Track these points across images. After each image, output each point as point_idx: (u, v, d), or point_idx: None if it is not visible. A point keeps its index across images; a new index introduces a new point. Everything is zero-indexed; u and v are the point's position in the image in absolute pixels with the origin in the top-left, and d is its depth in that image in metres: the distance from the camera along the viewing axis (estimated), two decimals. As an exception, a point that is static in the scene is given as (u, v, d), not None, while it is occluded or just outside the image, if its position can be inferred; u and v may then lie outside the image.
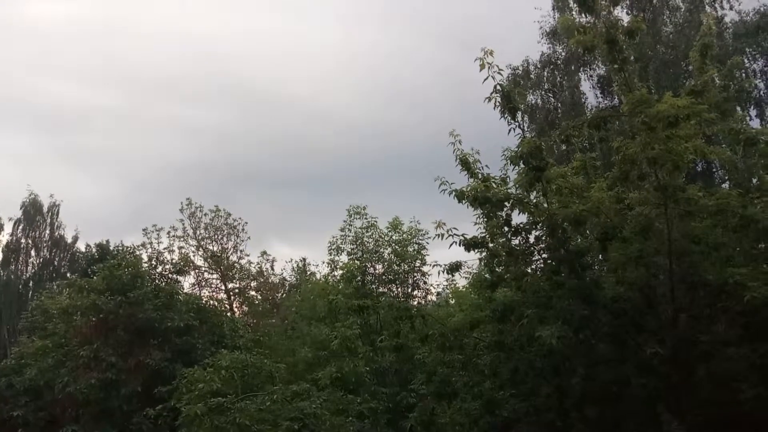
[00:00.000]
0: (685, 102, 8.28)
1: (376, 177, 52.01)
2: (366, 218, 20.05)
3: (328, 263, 20.89)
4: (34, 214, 41.18)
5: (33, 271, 41.01)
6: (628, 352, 8.78)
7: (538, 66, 24.36)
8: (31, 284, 40.53)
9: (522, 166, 9.03)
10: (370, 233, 19.99)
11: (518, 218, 9.53)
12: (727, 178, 15.21)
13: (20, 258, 40.80)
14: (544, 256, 9.62)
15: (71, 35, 58.37)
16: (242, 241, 26.41)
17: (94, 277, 18.60)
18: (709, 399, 8.28)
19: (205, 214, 26.15)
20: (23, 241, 40.91)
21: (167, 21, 59.30)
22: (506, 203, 9.25)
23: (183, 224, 25.55)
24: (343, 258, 20.03)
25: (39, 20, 55.89)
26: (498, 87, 8.87)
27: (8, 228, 40.96)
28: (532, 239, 9.64)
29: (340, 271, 19.84)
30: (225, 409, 11.77)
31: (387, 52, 54.28)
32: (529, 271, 9.69)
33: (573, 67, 23.77)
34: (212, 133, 53.38)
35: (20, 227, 40.95)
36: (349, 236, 20.14)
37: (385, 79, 55.02)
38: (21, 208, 40.85)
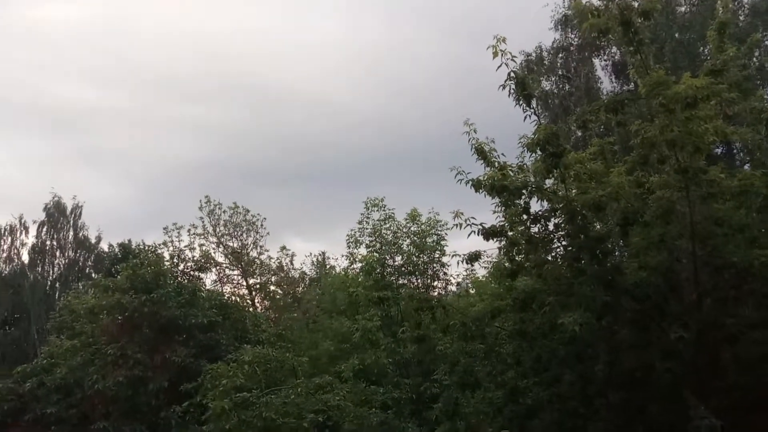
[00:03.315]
0: (703, 82, 8.13)
1: (385, 170, 52.04)
2: (384, 210, 20.09)
3: (347, 256, 21.00)
4: (57, 215, 41.96)
5: (59, 271, 41.82)
6: (651, 337, 8.71)
7: (551, 52, 24.05)
8: (57, 285, 41.35)
9: (539, 153, 8.96)
10: (388, 225, 20.02)
11: (537, 206, 9.49)
12: (748, 159, 14.93)
13: (46, 259, 41.64)
14: (564, 243, 9.56)
15: (78, 37, 59.02)
16: (261, 236, 26.66)
17: (118, 277, 18.91)
18: (736, 383, 8.19)
19: (224, 211, 26.42)
20: (48, 242, 41.74)
21: (171, 21, 59.69)
22: (524, 191, 9.19)
23: (202, 222, 25.87)
24: (362, 251, 20.12)
25: (45, 23, 56.59)
26: (512, 74, 8.80)
27: (33, 230, 41.84)
28: (551, 226, 9.57)
29: (360, 264, 19.93)
30: (251, 403, 11.94)
31: (391, 44, 54.07)
32: (549, 258, 9.63)
33: (587, 53, 23.42)
34: (221, 131, 53.81)
35: (44, 229, 41.78)
36: (367, 229, 20.20)
37: (389, 72, 54.83)
38: (44, 210, 41.64)
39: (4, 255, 41.78)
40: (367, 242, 20.01)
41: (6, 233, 42.03)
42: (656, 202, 8.70)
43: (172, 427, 15.54)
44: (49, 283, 41.44)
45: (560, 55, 24.03)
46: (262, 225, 26.63)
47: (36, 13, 55.78)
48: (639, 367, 8.61)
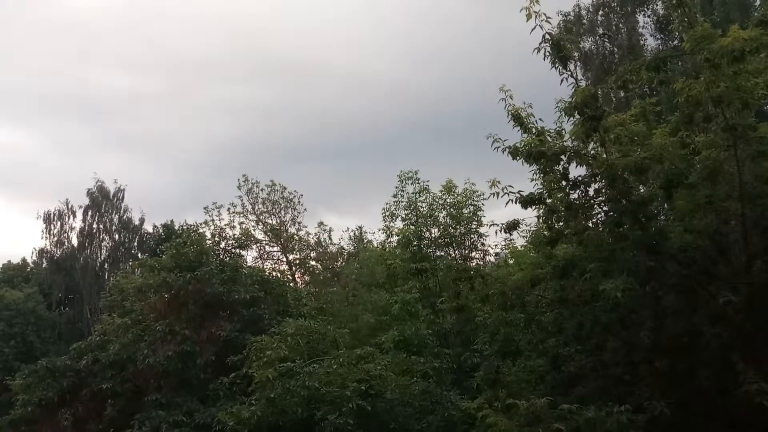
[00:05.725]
0: (752, 33, 7.70)
1: (417, 140, 51.71)
2: (418, 182, 20.01)
3: (384, 230, 21.08)
4: (101, 200, 43.39)
5: (107, 253, 43.45)
6: (699, 301, 8.48)
7: (591, 10, 23.22)
8: (106, 266, 43.02)
9: (577, 116, 8.71)
10: (423, 197, 19.95)
11: (576, 171, 9.27)
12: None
13: (94, 242, 43.27)
14: (605, 208, 9.33)
15: (114, 25, 60.16)
16: (299, 213, 27.04)
17: (163, 256, 19.48)
18: (789, 346, 7.93)
19: (262, 189, 26.83)
20: (95, 226, 43.30)
21: (202, 3, 60.08)
22: (563, 156, 8.98)
23: (241, 200, 26.36)
24: (398, 224, 20.15)
25: (82, 13, 57.74)
26: (546, 36, 8.53)
27: (79, 215, 43.45)
28: (591, 192, 9.35)
29: (396, 237, 19.98)
30: (294, 373, 12.23)
31: (415, 10, 53.16)
32: (590, 225, 9.42)
33: (629, 8, 22.50)
34: (255, 110, 54.32)
35: (90, 213, 43.31)
36: (402, 202, 20.18)
37: (415, 40, 54.05)
38: (87, 195, 43.16)
39: (55, 239, 43.68)
40: (403, 215, 20.02)
41: (55, 218, 43.82)
42: (702, 162, 8.38)
43: (221, 398, 16.08)
44: (98, 264, 43.12)
45: (600, 12, 23.20)
46: (299, 202, 27.01)
47: (74, 3, 56.97)
48: (686, 333, 8.41)
